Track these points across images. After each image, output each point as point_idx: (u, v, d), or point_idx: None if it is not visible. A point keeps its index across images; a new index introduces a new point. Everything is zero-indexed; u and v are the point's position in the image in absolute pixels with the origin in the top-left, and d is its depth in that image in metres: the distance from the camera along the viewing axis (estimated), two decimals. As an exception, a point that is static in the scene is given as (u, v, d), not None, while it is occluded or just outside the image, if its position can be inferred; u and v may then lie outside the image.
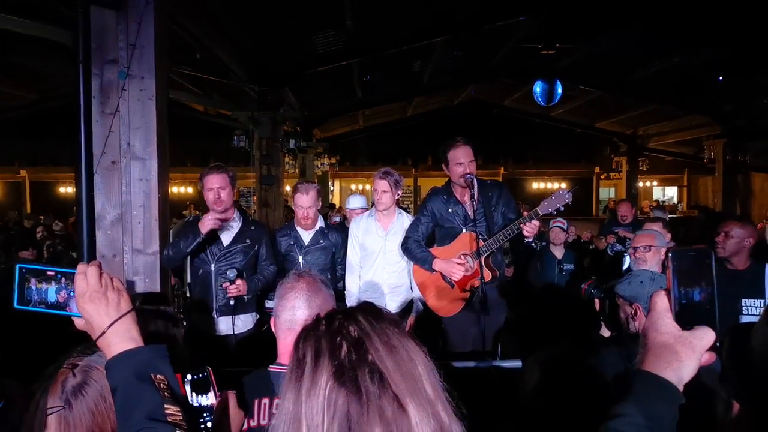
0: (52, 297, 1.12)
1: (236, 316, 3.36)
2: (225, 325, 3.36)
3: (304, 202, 3.71)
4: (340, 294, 3.79)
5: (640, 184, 17.51)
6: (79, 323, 1.11)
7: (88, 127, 3.04)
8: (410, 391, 0.82)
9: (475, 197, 3.34)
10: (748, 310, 3.19)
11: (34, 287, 1.12)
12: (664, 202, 19.18)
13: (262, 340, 3.45)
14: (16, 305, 1.12)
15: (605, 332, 2.50)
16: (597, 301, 2.52)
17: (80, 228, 3.12)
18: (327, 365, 0.84)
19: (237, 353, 3.34)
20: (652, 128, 14.70)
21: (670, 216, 15.97)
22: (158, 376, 1.02)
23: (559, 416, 1.59)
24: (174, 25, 4.91)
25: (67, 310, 1.12)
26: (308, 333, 0.91)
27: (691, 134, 13.64)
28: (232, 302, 3.28)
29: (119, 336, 1.05)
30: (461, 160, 3.37)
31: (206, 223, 3.19)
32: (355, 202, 4.80)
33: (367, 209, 4.46)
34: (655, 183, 19.40)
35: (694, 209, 17.53)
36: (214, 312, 3.36)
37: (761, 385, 0.97)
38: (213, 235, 3.43)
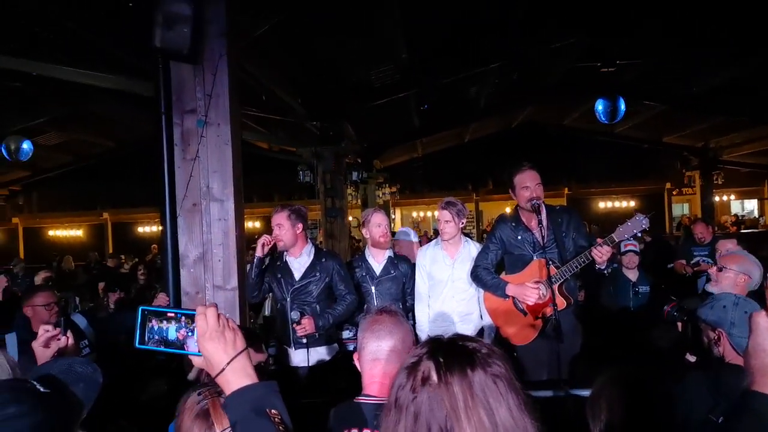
0: (172, 335, 1.19)
1: (312, 349, 3.45)
2: (301, 357, 3.46)
3: (381, 219, 3.85)
4: (412, 323, 3.83)
5: (716, 198, 16.61)
6: (197, 361, 1.19)
7: (171, 172, 3.27)
8: None
9: (544, 223, 3.31)
10: None
11: (155, 326, 1.20)
12: (744, 216, 18.07)
13: (334, 371, 3.53)
14: (137, 345, 1.20)
15: (691, 357, 2.40)
16: (680, 324, 2.43)
17: (165, 267, 3.32)
18: (410, 406, 0.94)
19: (309, 384, 3.43)
20: (723, 140, 14.01)
21: (752, 230, 15.07)
22: (273, 411, 1.08)
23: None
24: (242, 71, 5.21)
25: (187, 349, 1.19)
26: (408, 367, 1.00)
27: (766, 144, 12.89)
28: (303, 340, 3.41)
29: (237, 373, 1.12)
30: (527, 183, 3.36)
31: (258, 248, 3.54)
32: (401, 235, 4.91)
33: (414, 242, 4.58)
34: (732, 197, 18.31)
35: (777, 222, 16.45)
36: (292, 344, 3.47)
37: None
38: (287, 271, 3.57)
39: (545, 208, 3.46)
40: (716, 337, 2.00)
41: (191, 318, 1.17)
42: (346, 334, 3.82)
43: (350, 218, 11.98)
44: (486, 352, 0.99)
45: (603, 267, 3.15)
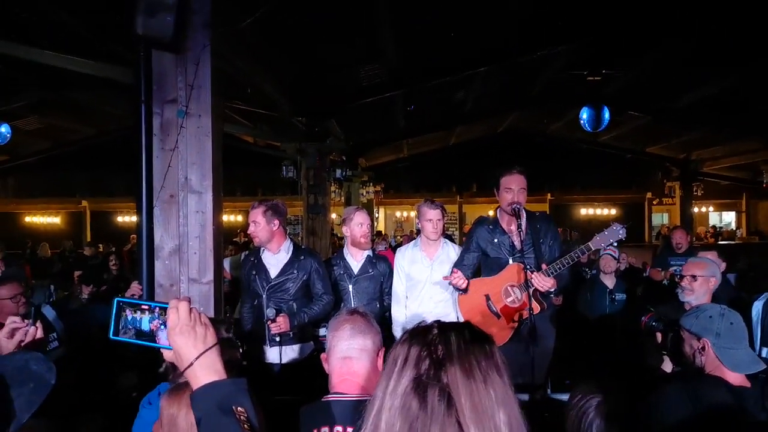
0: (145, 326, 1.19)
1: (285, 347, 3.42)
2: (274, 354, 3.43)
3: (364, 218, 3.80)
4: (389, 323, 3.81)
5: (695, 209, 16.88)
6: (168, 355, 1.19)
7: (149, 162, 3.22)
8: (475, 420, 0.87)
9: (522, 227, 3.32)
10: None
11: (129, 316, 1.19)
12: (721, 227, 18.39)
13: (309, 369, 3.50)
14: (111, 336, 1.19)
15: (667, 367, 2.41)
16: (659, 334, 2.43)
17: (140, 258, 3.27)
18: (409, 374, 0.92)
19: (283, 381, 3.40)
20: (704, 152, 14.25)
21: (729, 242, 15.34)
22: (239, 408, 1.07)
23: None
24: (227, 63, 5.15)
25: (158, 342, 1.19)
26: (407, 338, 0.99)
27: (747, 158, 13.14)
28: (277, 338, 3.36)
29: (205, 368, 1.11)
30: (511, 186, 3.37)
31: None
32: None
33: None
34: (711, 208, 18.64)
35: (754, 235, 16.75)
36: (267, 342, 3.44)
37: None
38: (262, 268, 3.53)
39: (525, 214, 3.47)
40: (701, 347, 2.00)
41: (165, 311, 1.17)
42: (323, 331, 3.78)
43: (333, 216, 11.93)
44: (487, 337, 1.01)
45: (552, 290, 3.23)
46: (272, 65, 6.75)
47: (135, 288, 3.44)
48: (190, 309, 1.15)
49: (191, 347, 1.12)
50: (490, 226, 3.54)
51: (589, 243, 3.17)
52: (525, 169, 3.45)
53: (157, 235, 3.23)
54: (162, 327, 1.17)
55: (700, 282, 2.97)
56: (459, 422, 0.87)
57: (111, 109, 10.28)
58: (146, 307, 1.20)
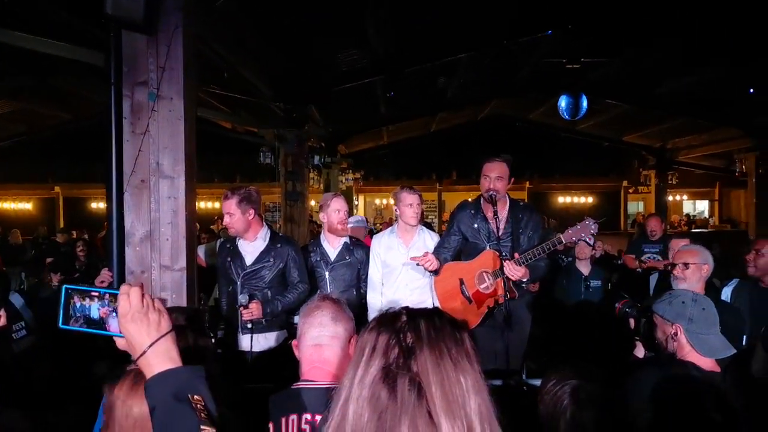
0: (94, 313, 1.14)
1: (258, 334, 3.39)
2: (247, 341, 3.39)
3: (341, 205, 3.76)
4: (366, 310, 3.81)
5: (670, 198, 17.17)
6: (120, 343, 1.14)
7: (119, 146, 3.13)
8: (446, 409, 0.85)
9: (499, 215, 3.33)
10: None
11: (78, 304, 1.14)
12: (695, 216, 18.75)
13: (282, 356, 3.49)
14: (60, 325, 1.14)
15: (639, 353, 2.44)
16: (632, 320, 2.46)
17: (110, 245, 3.20)
18: (377, 362, 0.90)
19: (254, 369, 3.37)
20: (681, 141, 14.46)
21: (702, 230, 15.67)
22: (195, 396, 1.03)
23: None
24: (203, 46, 5.04)
25: (109, 330, 1.14)
26: (375, 325, 0.96)
27: (721, 147, 13.38)
28: (249, 325, 3.32)
29: (159, 356, 1.07)
30: (489, 173, 3.39)
31: None
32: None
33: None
34: (685, 197, 18.99)
35: (726, 223, 17.12)
36: (240, 329, 3.40)
37: None
38: (238, 255, 3.48)
39: (509, 201, 3.49)
40: (673, 332, 2.02)
41: (116, 297, 1.12)
42: (297, 319, 3.76)
43: (312, 203, 11.87)
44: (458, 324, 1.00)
45: (524, 281, 3.26)
46: (250, 49, 6.63)
47: (105, 275, 3.37)
48: (143, 295, 1.11)
49: (144, 335, 1.08)
50: (472, 211, 3.55)
51: (561, 236, 3.20)
52: (508, 158, 3.46)
53: (128, 221, 3.16)
54: (113, 314, 1.12)
55: (692, 269, 2.98)
56: (429, 412, 0.85)
57: (86, 94, 10.03)
58: (96, 293, 1.15)
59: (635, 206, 18.78)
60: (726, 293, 3.27)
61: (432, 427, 0.84)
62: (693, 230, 15.73)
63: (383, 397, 0.87)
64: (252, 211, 3.44)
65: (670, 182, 15.54)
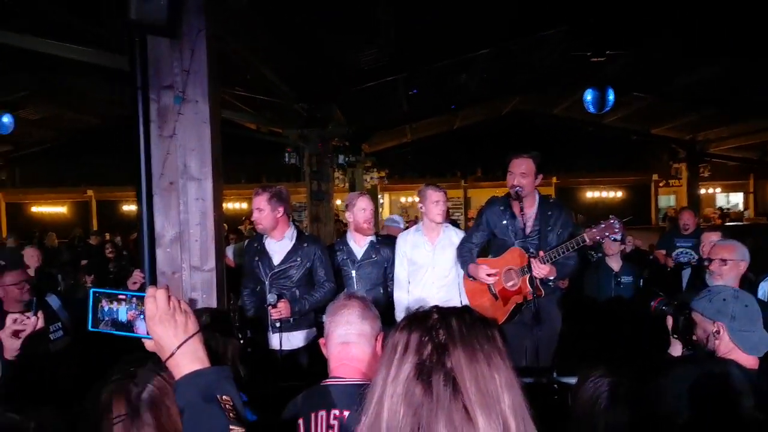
0: (122, 316, 1.17)
1: (286, 333, 3.42)
2: (276, 340, 3.43)
3: (367, 204, 3.78)
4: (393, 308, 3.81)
5: (702, 191, 16.73)
6: (149, 345, 1.16)
7: (147, 150, 3.19)
8: (482, 404, 0.86)
9: (525, 211, 3.30)
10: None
11: (106, 307, 1.17)
12: (728, 209, 18.24)
13: (311, 355, 3.51)
14: (90, 328, 1.17)
15: (676, 351, 2.37)
16: (669, 318, 2.39)
17: (141, 246, 3.26)
18: (411, 360, 0.90)
19: (285, 367, 3.40)
20: (711, 133, 14.08)
21: (737, 223, 15.24)
22: (224, 397, 1.04)
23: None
24: (225, 48, 5.09)
25: (137, 332, 1.16)
26: (406, 324, 0.97)
27: (754, 138, 12.97)
28: (278, 324, 3.36)
29: (187, 357, 1.09)
30: (513, 170, 3.39)
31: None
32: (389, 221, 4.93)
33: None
34: (718, 189, 18.46)
35: (762, 216, 16.62)
36: (269, 328, 3.44)
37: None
38: (266, 254, 3.52)
39: (539, 198, 3.45)
40: (716, 331, 1.97)
41: (142, 300, 1.14)
42: (325, 318, 3.78)
43: (338, 202, 11.91)
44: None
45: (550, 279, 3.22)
46: (271, 50, 6.68)
47: (137, 276, 3.43)
48: (169, 297, 1.13)
49: (172, 336, 1.10)
50: (501, 208, 3.53)
51: (585, 235, 3.14)
52: (535, 155, 3.42)
53: (158, 223, 3.22)
54: (140, 317, 1.15)
55: (730, 266, 2.90)
56: (465, 407, 0.85)
57: (113, 98, 10.25)
58: (123, 297, 1.17)
59: (666, 200, 18.34)
60: (764, 288, 3.17)
61: (468, 422, 0.84)
62: (727, 223, 15.31)
63: (418, 393, 0.87)
64: (281, 209, 3.48)
65: (702, 175, 15.15)
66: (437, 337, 0.91)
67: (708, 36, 7.29)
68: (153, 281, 3.23)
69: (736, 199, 18.99)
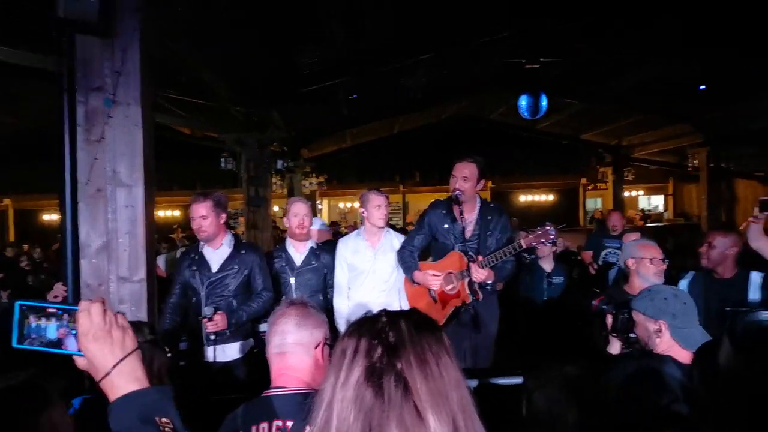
0: (51, 335, 1.06)
1: (222, 345, 3.32)
2: (211, 353, 3.32)
3: (301, 209, 3.73)
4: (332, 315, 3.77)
5: (626, 193, 17.67)
6: (80, 363, 1.06)
7: (72, 155, 3.00)
8: (432, 404, 0.87)
9: (464, 216, 3.36)
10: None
11: (33, 324, 1.06)
12: (650, 210, 19.35)
13: (248, 366, 3.42)
14: (15, 344, 1.06)
15: (614, 349, 2.47)
16: (609, 317, 2.49)
17: (65, 257, 3.07)
18: (361, 363, 0.90)
19: (222, 380, 3.31)
20: (635, 138, 14.89)
21: (657, 224, 16.19)
22: (163, 419, 0.98)
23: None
24: (160, 48, 4.91)
25: (67, 349, 1.06)
26: (355, 329, 0.97)
27: (674, 143, 13.83)
28: (212, 336, 3.25)
29: (124, 377, 1.01)
30: (455, 173, 3.44)
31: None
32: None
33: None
34: (641, 192, 19.58)
35: (680, 217, 17.73)
36: (204, 340, 3.32)
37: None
38: (204, 263, 3.41)
39: (480, 203, 3.52)
40: (657, 329, 2.03)
41: (74, 315, 1.04)
42: (263, 327, 3.70)
43: (276, 208, 11.73)
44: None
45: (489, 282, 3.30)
46: (208, 51, 6.50)
47: (59, 289, 3.23)
48: (105, 311, 1.04)
49: (107, 354, 1.01)
50: (443, 211, 3.56)
51: (521, 241, 3.24)
52: (478, 159, 3.48)
53: (83, 232, 3.04)
54: (72, 332, 1.05)
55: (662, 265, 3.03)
56: (416, 407, 0.86)
57: (39, 101, 9.64)
58: (53, 310, 1.06)
59: (593, 203, 19.26)
60: (683, 285, 3.36)
61: (420, 421, 0.85)
62: (648, 224, 16.23)
63: (368, 396, 0.87)
64: (224, 216, 3.41)
65: (626, 178, 15.98)
66: (387, 339, 0.92)
67: (635, 43, 7.70)
68: (76, 294, 3.04)
69: (657, 201, 20.21)
